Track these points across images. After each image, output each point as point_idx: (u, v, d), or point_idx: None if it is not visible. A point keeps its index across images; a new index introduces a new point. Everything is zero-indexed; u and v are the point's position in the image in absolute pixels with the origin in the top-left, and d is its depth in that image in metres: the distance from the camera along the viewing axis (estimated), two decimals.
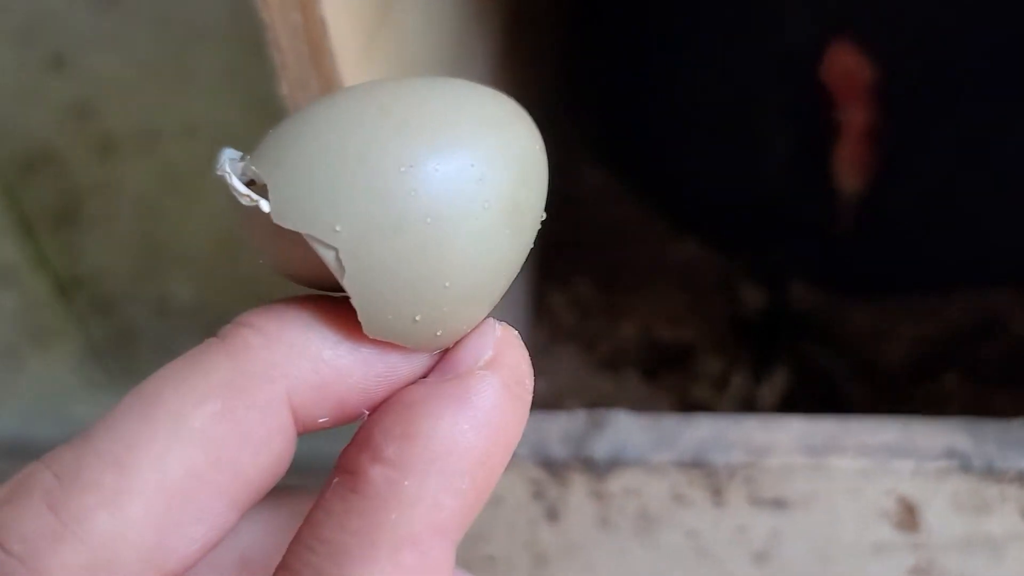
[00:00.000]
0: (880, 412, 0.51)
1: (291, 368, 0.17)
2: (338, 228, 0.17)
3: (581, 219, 0.64)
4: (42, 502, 0.16)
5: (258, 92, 0.94)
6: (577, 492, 0.37)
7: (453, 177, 0.17)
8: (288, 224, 0.17)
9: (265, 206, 0.17)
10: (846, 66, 0.45)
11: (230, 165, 0.18)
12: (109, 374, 1.14)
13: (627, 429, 0.37)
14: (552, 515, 0.38)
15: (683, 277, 0.58)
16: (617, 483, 0.37)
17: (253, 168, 0.18)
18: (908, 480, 0.34)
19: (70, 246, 1.04)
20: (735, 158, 0.53)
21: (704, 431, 0.36)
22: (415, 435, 0.17)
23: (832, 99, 0.46)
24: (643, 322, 0.57)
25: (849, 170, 0.49)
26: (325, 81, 0.31)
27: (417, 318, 0.17)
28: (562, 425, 0.37)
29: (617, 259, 0.58)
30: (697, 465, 0.36)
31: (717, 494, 0.36)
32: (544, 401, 0.54)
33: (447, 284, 0.17)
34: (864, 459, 0.34)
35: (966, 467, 0.33)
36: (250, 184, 0.18)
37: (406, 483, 0.17)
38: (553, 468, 0.37)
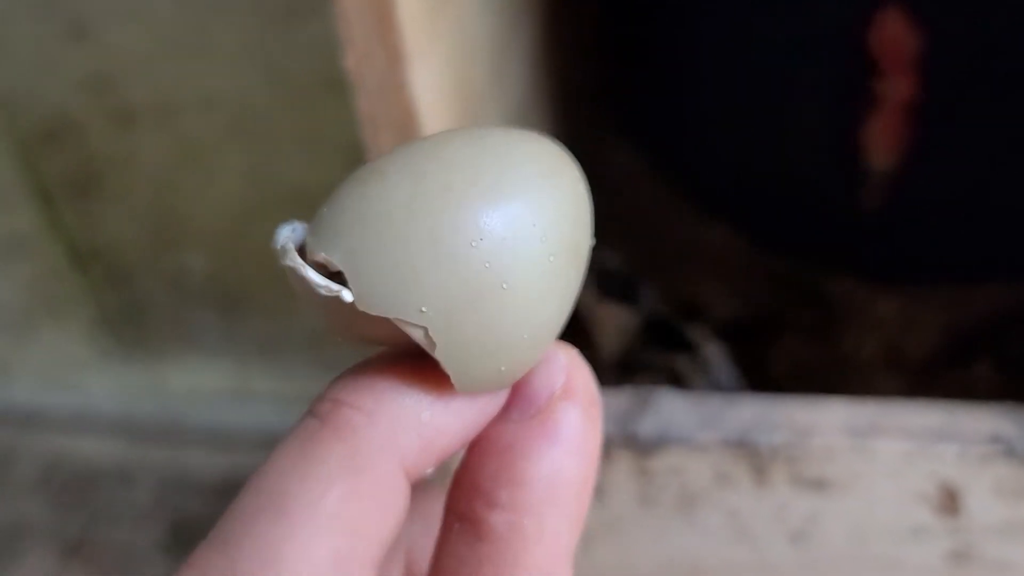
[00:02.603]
0: (906, 395, 0.51)
1: (398, 438, 0.18)
2: (424, 309, 0.18)
3: (611, 202, 0.63)
4: None
5: (278, 67, 0.94)
6: (622, 469, 0.38)
7: (520, 241, 0.18)
8: (375, 311, 0.18)
9: (347, 296, 0.18)
10: (893, 34, 0.45)
11: (292, 256, 0.18)
12: (122, 345, 1.14)
13: (672, 408, 0.37)
14: (597, 492, 0.39)
15: (715, 261, 0.58)
16: (661, 461, 0.37)
17: (323, 254, 0.18)
18: (951, 464, 0.35)
19: (87, 217, 1.04)
20: (764, 136, 0.53)
21: (748, 411, 0.37)
22: (522, 479, 0.18)
23: (874, 69, 0.46)
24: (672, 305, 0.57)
25: (883, 146, 0.49)
26: (392, 53, 0.31)
27: (502, 368, 0.19)
28: (608, 402, 0.38)
29: (647, 242, 0.59)
30: (741, 445, 0.36)
31: (759, 474, 0.37)
32: None
33: (526, 335, 0.19)
34: (907, 442, 0.35)
35: (1010, 452, 0.34)
36: (315, 265, 0.18)
37: (526, 522, 0.18)
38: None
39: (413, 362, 0.19)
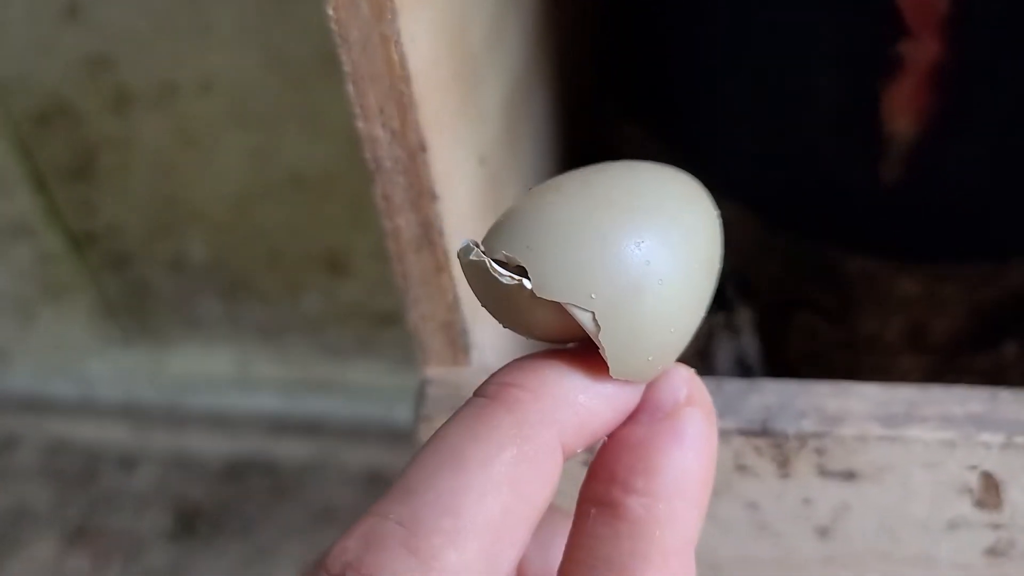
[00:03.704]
0: (933, 379, 0.47)
1: (558, 414, 0.21)
2: (593, 296, 0.20)
3: None
4: (401, 547, 0.18)
5: (276, 48, 0.90)
6: None
7: (672, 247, 0.22)
8: (551, 296, 0.21)
9: (527, 283, 0.21)
10: None
11: (478, 252, 0.22)
12: (123, 330, 1.10)
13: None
14: None
15: (726, 240, 0.54)
16: None
17: (504, 252, 0.21)
18: (994, 454, 0.31)
19: (84, 201, 1.00)
20: (776, 105, 0.49)
21: (772, 397, 0.33)
22: (656, 470, 0.21)
23: (899, 28, 0.42)
24: None
25: (906, 113, 0.44)
26: (377, 2, 0.27)
27: (650, 358, 0.22)
28: None
29: None
30: (764, 433, 0.32)
31: (783, 464, 0.33)
32: None
33: (672, 329, 0.22)
34: (946, 430, 0.31)
35: None
36: (495, 263, 0.21)
37: (659, 507, 0.21)
38: None
39: (571, 352, 0.22)
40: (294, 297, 1.05)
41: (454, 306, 0.34)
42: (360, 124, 0.30)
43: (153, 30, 0.88)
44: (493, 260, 0.21)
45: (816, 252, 0.53)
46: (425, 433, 0.35)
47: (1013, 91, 0.45)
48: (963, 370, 0.46)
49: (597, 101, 0.63)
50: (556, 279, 0.20)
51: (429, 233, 0.32)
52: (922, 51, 0.43)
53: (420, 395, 0.35)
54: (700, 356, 0.45)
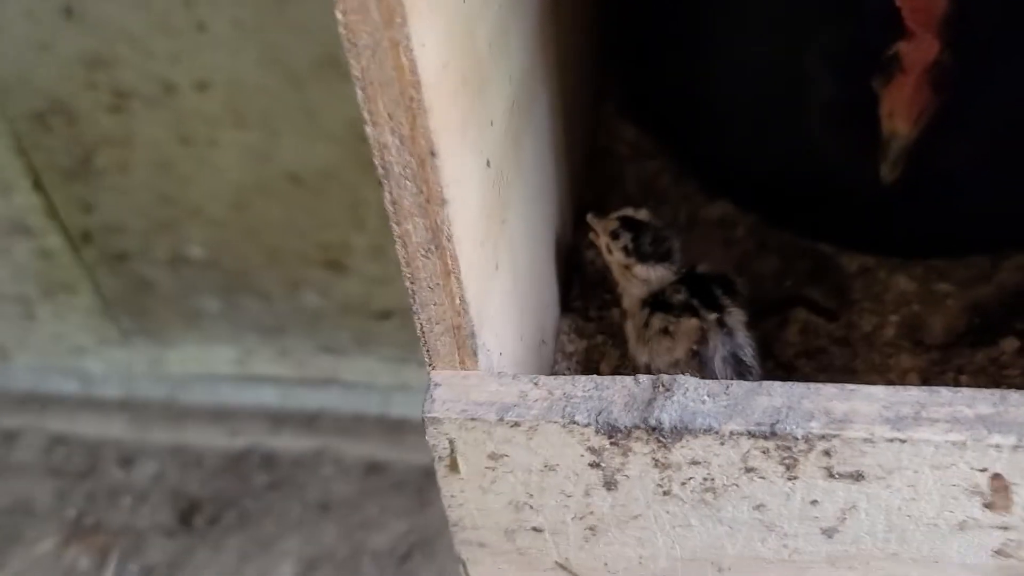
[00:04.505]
0: (932, 379, 0.47)
1: None
2: None
3: (616, 175, 0.59)
4: None
5: (273, 48, 0.88)
6: (639, 461, 0.33)
7: None
8: None
9: None
10: None
11: None
12: (121, 330, 1.09)
13: (696, 395, 0.33)
14: (610, 484, 0.34)
15: (723, 238, 0.53)
16: (683, 452, 0.33)
17: None
18: (1007, 456, 0.30)
19: (82, 199, 0.98)
20: (773, 105, 0.49)
21: (778, 399, 0.32)
22: None
23: (897, 28, 0.41)
24: None
25: (903, 113, 0.44)
26: (387, 7, 0.26)
27: None
28: (627, 391, 0.33)
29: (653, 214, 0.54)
30: (772, 435, 0.31)
31: (791, 467, 0.32)
32: (590, 354, 0.50)
33: None
34: (955, 432, 0.30)
35: None
36: None
37: None
38: (616, 436, 0.33)
39: None
40: (292, 294, 1.03)
41: (462, 310, 0.33)
42: (369, 130, 0.29)
43: (149, 29, 0.86)
44: None
45: (813, 250, 0.53)
46: (435, 436, 0.34)
47: (1010, 90, 0.44)
48: (961, 368, 0.45)
49: (598, 100, 0.63)
50: None
51: (438, 238, 0.31)
52: (920, 51, 0.42)
53: (428, 397, 0.34)
54: (694, 357, 0.44)
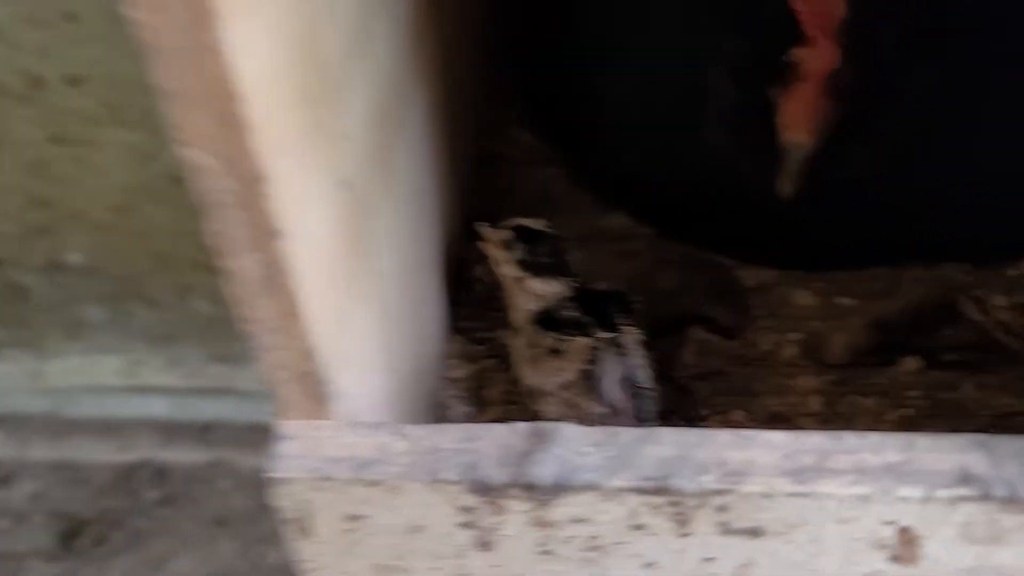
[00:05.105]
0: (834, 401, 0.44)
1: None
2: None
3: (508, 183, 0.55)
4: None
5: None
6: (515, 521, 0.29)
7: None
8: None
9: None
10: None
11: None
12: None
13: (578, 446, 0.28)
14: (485, 545, 0.30)
15: (618, 251, 0.49)
16: (564, 510, 0.28)
17: None
18: (915, 509, 0.27)
19: None
20: (667, 113, 0.45)
21: (668, 449, 0.28)
22: None
23: (795, 34, 0.38)
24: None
25: (801, 123, 0.40)
26: (196, 5, 0.21)
27: None
28: (499, 442, 0.29)
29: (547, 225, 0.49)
30: (661, 490, 0.27)
31: (683, 523, 0.28)
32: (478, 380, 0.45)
33: None
34: (863, 484, 0.27)
35: (985, 495, 0.26)
36: None
37: None
38: (488, 494, 0.28)
39: None
40: (182, 301, 0.97)
41: (311, 354, 0.28)
42: (183, 151, 0.24)
43: (13, 20, 0.78)
44: None
45: (711, 264, 0.49)
46: (282, 497, 0.29)
47: (910, 98, 0.41)
48: (864, 389, 0.42)
49: (488, 105, 0.58)
50: None
51: (276, 275, 0.26)
52: (819, 58, 0.39)
53: (273, 454, 0.29)
54: (585, 378, 0.40)
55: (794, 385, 0.43)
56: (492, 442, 0.29)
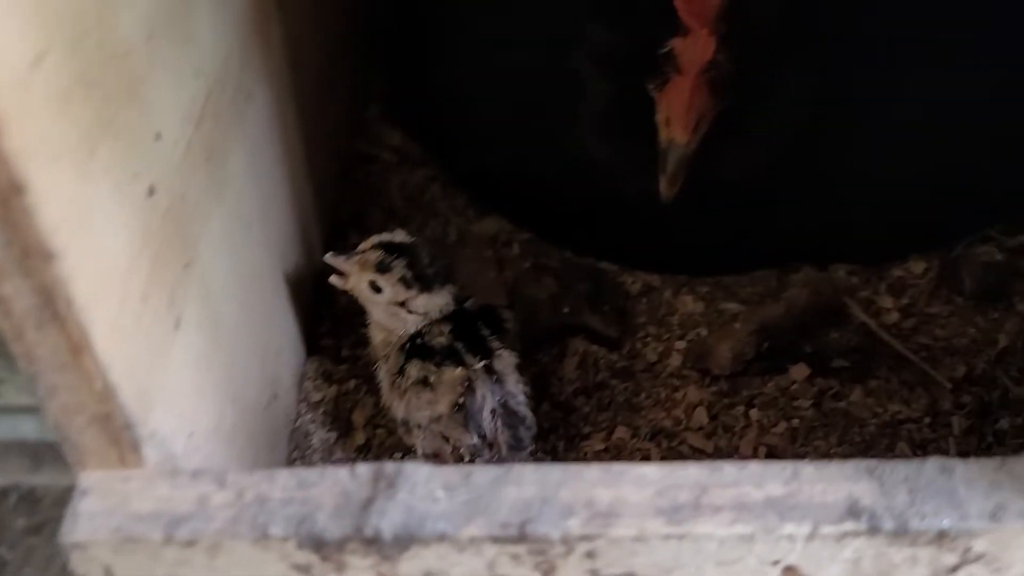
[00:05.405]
0: (721, 414, 0.41)
1: None
2: None
3: (378, 185, 0.50)
4: None
5: None
6: None
7: None
8: None
9: None
10: None
11: None
12: None
13: (427, 490, 0.25)
14: None
15: (492, 257, 0.46)
16: (413, 564, 0.25)
17: None
18: (800, 547, 0.24)
19: None
20: (539, 112, 0.41)
21: (530, 489, 0.25)
22: None
23: (672, 24, 0.35)
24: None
25: (679, 119, 0.37)
26: None
27: None
28: (339, 488, 0.25)
29: (418, 232, 0.45)
30: (522, 539, 0.24)
31: (549, 572, 0.25)
32: (340, 403, 0.41)
33: None
34: (745, 523, 0.24)
35: (874, 529, 0.23)
36: None
37: None
38: (324, 550, 0.24)
39: None
40: None
41: (109, 394, 0.23)
42: None
43: None
44: None
45: (593, 270, 0.46)
46: (80, 564, 0.24)
47: (789, 95, 0.39)
48: (751, 400, 0.40)
49: (357, 103, 0.54)
50: None
51: (52, 303, 0.21)
52: (696, 49, 0.36)
53: (71, 512, 0.24)
54: (459, 410, 0.36)
55: (680, 397, 0.40)
56: (329, 489, 0.25)
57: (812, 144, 0.39)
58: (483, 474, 0.25)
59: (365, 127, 0.52)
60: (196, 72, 0.29)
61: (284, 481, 0.25)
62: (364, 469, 0.25)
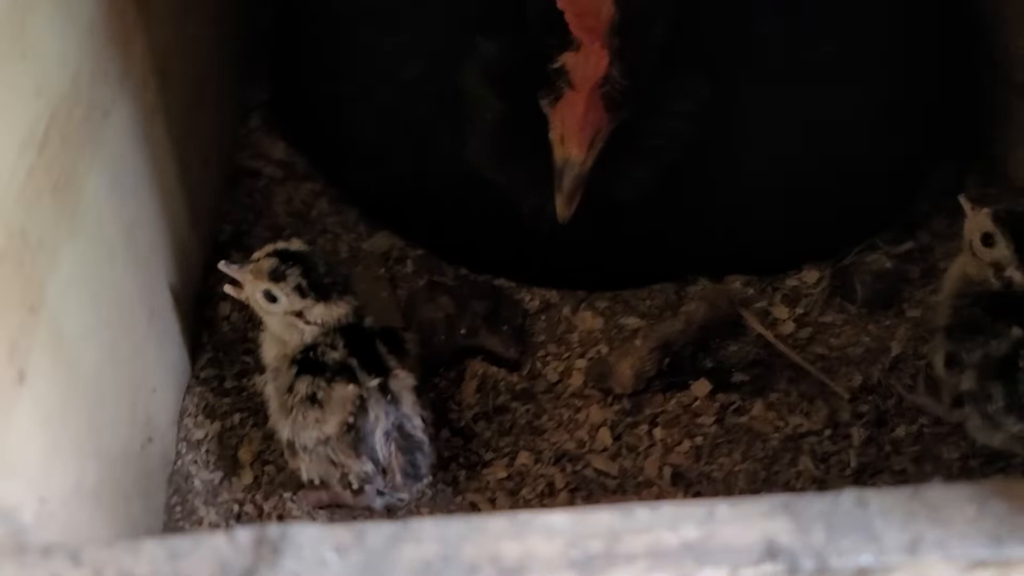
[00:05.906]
0: (625, 433, 0.40)
1: None
2: None
3: (263, 201, 0.47)
4: None
5: None
6: None
7: None
8: None
9: None
10: None
11: None
12: None
13: (315, 554, 0.22)
14: None
15: (386, 275, 0.43)
16: None
17: None
18: None
19: None
20: (430, 126, 0.39)
21: (430, 547, 0.22)
22: None
23: (563, 38, 0.33)
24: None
25: (574, 136, 0.35)
26: None
27: None
28: (213, 558, 0.22)
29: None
30: None
31: None
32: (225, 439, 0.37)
33: None
34: (660, 570, 0.22)
35: (794, 569, 0.22)
36: None
37: None
38: None
39: None
40: None
41: None
42: None
43: None
44: None
45: (490, 287, 0.43)
46: None
47: (682, 111, 0.37)
48: (654, 418, 0.38)
49: (238, 116, 0.50)
50: None
51: None
52: (589, 64, 0.34)
53: None
54: (349, 431, 0.33)
55: (582, 418, 0.38)
56: (203, 559, 0.22)
57: (704, 158, 0.38)
58: (377, 532, 0.22)
59: (246, 139, 0.48)
60: (37, 91, 0.25)
61: (151, 552, 0.22)
62: (244, 534, 0.22)
